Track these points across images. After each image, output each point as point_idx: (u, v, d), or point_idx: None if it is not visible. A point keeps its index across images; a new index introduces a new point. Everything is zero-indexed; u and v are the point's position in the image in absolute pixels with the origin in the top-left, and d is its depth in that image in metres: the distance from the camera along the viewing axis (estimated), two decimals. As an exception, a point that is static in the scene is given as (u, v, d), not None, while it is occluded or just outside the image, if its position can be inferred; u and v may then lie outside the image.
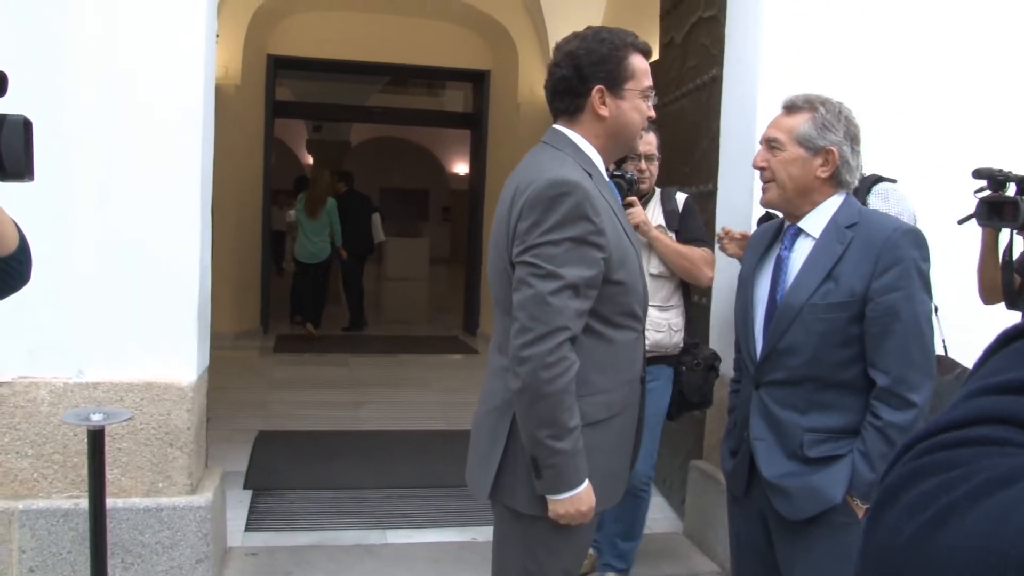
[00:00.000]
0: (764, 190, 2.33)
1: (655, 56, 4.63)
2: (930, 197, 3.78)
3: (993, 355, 0.64)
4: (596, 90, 2.07)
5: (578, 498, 1.99)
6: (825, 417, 2.21)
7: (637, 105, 2.11)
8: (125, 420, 2.75)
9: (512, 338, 1.96)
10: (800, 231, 2.29)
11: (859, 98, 3.54)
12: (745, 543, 2.42)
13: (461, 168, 18.83)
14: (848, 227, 2.20)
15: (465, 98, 12.65)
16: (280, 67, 9.85)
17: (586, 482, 2.00)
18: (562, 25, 7.91)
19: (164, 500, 3.21)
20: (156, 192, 3.19)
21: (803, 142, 2.24)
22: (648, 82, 2.13)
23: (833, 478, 2.17)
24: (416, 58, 9.94)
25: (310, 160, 18.61)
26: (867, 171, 2.30)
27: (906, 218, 3.05)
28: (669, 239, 3.44)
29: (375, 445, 5.61)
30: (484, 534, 4.07)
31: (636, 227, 3.34)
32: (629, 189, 3.28)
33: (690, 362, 3.51)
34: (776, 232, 2.39)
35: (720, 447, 2.55)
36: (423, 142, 20.71)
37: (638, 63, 2.10)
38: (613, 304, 2.04)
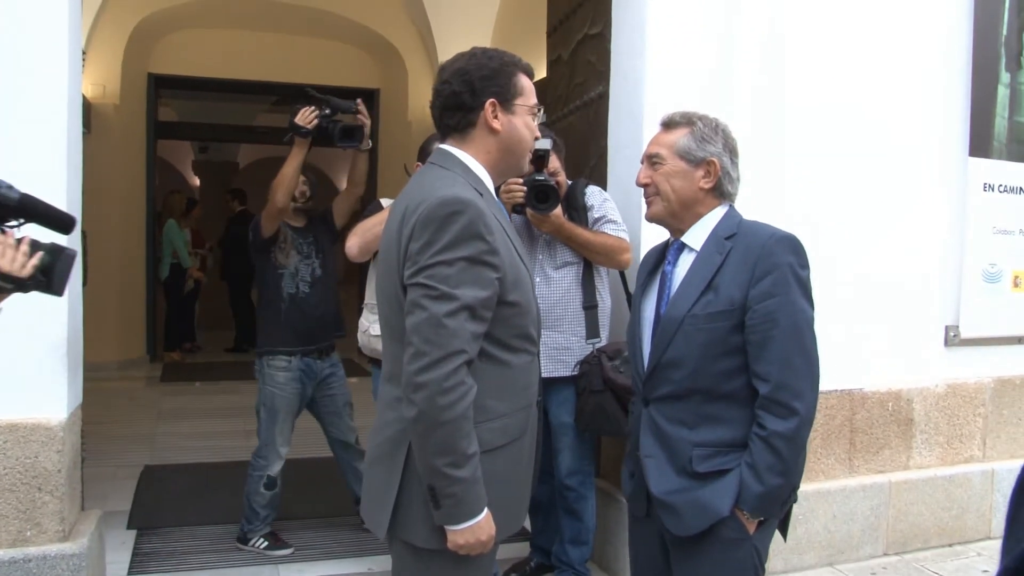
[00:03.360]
0: (649, 204, 2.33)
1: (543, 73, 4.63)
2: (814, 212, 3.88)
3: None
4: (489, 103, 2.04)
5: (478, 527, 1.92)
6: (714, 431, 2.20)
7: (527, 122, 2.10)
8: (-15, 465, 2.55)
9: (406, 364, 1.88)
10: (684, 246, 2.29)
11: (740, 111, 3.61)
12: (645, 565, 2.39)
13: (354, 187, 18.54)
14: (727, 238, 2.21)
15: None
16: (162, 86, 9.56)
17: (485, 510, 1.93)
18: (452, 42, 7.89)
19: (33, 550, 3.00)
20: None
21: (683, 155, 2.26)
22: (535, 100, 2.13)
23: (720, 491, 2.16)
24: (304, 77, 9.70)
25: (197, 181, 18.07)
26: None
27: (610, 208, 3.55)
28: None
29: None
30: (380, 564, 3.96)
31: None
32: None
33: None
34: (663, 250, 2.39)
35: (621, 468, 2.52)
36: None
37: (525, 82, 2.11)
38: (508, 327, 1.99)
